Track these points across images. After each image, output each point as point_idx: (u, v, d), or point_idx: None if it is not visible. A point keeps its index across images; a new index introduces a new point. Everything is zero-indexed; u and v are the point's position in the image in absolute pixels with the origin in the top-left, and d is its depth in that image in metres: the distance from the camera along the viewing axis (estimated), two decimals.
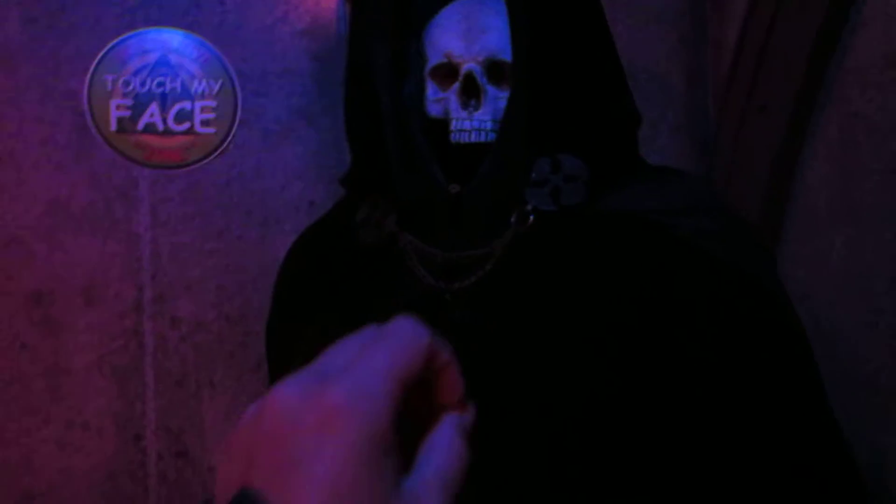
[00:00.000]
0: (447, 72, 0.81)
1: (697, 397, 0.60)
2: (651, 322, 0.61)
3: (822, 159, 1.04)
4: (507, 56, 0.74)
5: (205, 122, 1.12)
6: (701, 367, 0.60)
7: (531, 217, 0.67)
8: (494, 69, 0.77)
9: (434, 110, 0.81)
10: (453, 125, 0.77)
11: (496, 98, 0.77)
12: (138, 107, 1.12)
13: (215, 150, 1.12)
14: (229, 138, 1.14)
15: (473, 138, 0.75)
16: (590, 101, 0.71)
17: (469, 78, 0.77)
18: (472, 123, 0.76)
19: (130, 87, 1.12)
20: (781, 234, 1.07)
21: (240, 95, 1.14)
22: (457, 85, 0.79)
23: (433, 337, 0.32)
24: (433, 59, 0.81)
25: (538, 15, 0.70)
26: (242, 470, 0.29)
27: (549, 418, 0.60)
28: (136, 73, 1.11)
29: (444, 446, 0.31)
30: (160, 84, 1.12)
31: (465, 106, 0.77)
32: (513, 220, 0.68)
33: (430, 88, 0.82)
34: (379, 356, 0.30)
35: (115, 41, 1.11)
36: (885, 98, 0.93)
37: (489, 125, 0.76)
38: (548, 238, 0.66)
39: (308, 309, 0.79)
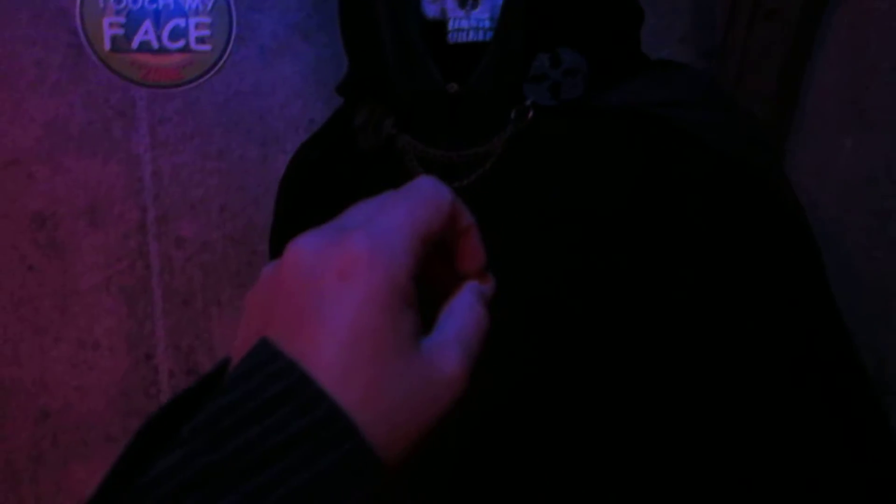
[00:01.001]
0: None
1: (697, 290, 0.59)
2: (650, 215, 0.60)
3: (832, 63, 1.01)
4: None
5: (200, 39, 1.10)
6: (701, 260, 0.59)
7: (531, 113, 0.66)
8: None
9: (431, 11, 0.79)
10: (451, 24, 0.75)
11: None
12: (132, 24, 1.09)
13: (212, 67, 1.10)
14: (226, 55, 1.11)
15: (471, 37, 0.73)
16: None
17: None
18: (470, 22, 0.74)
19: (122, 4, 1.09)
20: (789, 142, 1.05)
21: (234, 11, 1.11)
22: None
23: (455, 197, 0.31)
24: None
25: None
26: (261, 326, 0.29)
27: (551, 314, 0.60)
28: None
29: (465, 310, 0.31)
30: (153, 0, 1.09)
31: (462, 4, 0.75)
32: (512, 116, 0.66)
33: None
34: (400, 211, 0.30)
35: None
36: None
37: (487, 23, 0.74)
38: (548, 133, 0.65)
39: (310, 217, 0.78)
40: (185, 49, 1.10)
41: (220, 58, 1.11)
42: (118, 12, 1.09)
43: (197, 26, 1.10)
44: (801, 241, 0.62)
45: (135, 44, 1.09)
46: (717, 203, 0.60)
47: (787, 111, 1.05)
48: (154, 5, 1.09)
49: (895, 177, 0.91)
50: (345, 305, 0.27)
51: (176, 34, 1.10)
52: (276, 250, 0.84)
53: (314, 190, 0.80)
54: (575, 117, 0.65)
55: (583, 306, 0.60)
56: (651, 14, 1.27)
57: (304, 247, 0.29)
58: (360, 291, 0.27)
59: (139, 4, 1.09)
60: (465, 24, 0.75)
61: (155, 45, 1.09)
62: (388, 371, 0.27)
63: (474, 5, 0.75)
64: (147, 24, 1.09)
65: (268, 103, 1.12)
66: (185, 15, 1.09)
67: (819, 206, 0.99)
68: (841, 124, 0.98)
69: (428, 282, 0.30)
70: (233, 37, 1.11)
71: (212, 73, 1.11)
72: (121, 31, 1.09)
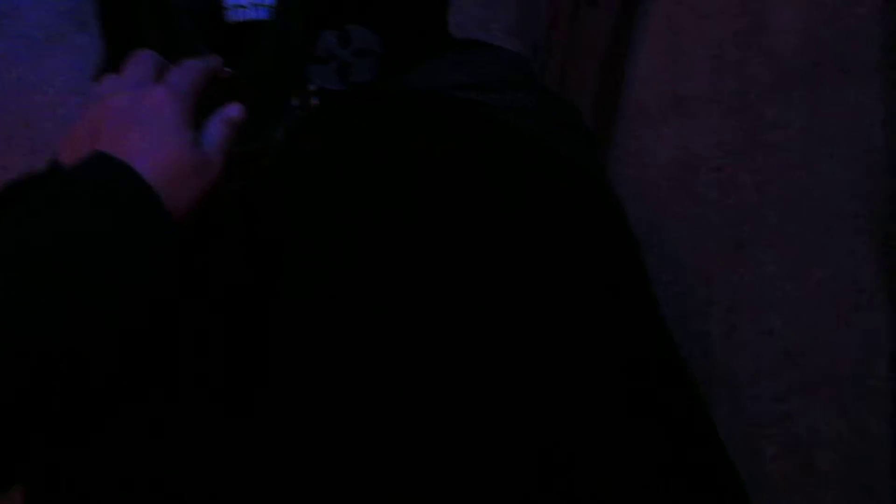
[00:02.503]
0: None
1: (515, 309, 0.51)
2: (454, 214, 0.53)
3: (651, 50, 1.01)
4: None
5: None
6: (514, 260, 0.52)
7: (315, 99, 0.57)
8: None
9: None
10: (227, 1, 0.65)
11: None
12: None
13: None
14: None
15: (251, 15, 0.63)
16: None
17: None
18: None
19: None
20: (613, 132, 1.04)
21: None
22: None
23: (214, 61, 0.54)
24: None
25: None
26: (88, 148, 0.46)
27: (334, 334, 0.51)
28: None
29: (217, 121, 0.50)
30: None
31: None
32: (295, 103, 0.57)
33: None
34: (173, 79, 0.50)
35: None
36: None
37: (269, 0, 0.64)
38: (335, 123, 0.56)
39: None
40: None
41: None
42: None
43: None
44: (620, 238, 0.57)
45: None
46: (530, 196, 0.54)
47: (612, 101, 1.04)
48: None
49: (713, 164, 0.91)
50: (155, 127, 0.46)
51: None
52: None
53: None
54: (366, 104, 0.57)
55: (374, 325, 0.51)
56: (475, 6, 1.23)
57: (119, 96, 0.48)
58: (165, 119, 0.46)
59: None
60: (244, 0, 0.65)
61: None
62: (179, 153, 0.46)
63: None
64: None
65: (36, 103, 0.96)
66: None
67: (643, 197, 0.98)
68: (661, 113, 0.97)
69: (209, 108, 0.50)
70: None
71: None
72: None
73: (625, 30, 1.04)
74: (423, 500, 0.48)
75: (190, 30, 0.60)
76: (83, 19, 0.98)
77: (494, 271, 0.50)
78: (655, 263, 0.93)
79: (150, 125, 0.45)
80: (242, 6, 0.64)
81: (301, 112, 0.57)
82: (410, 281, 0.50)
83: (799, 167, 0.78)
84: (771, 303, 0.81)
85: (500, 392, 0.49)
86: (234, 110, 0.51)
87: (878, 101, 0.72)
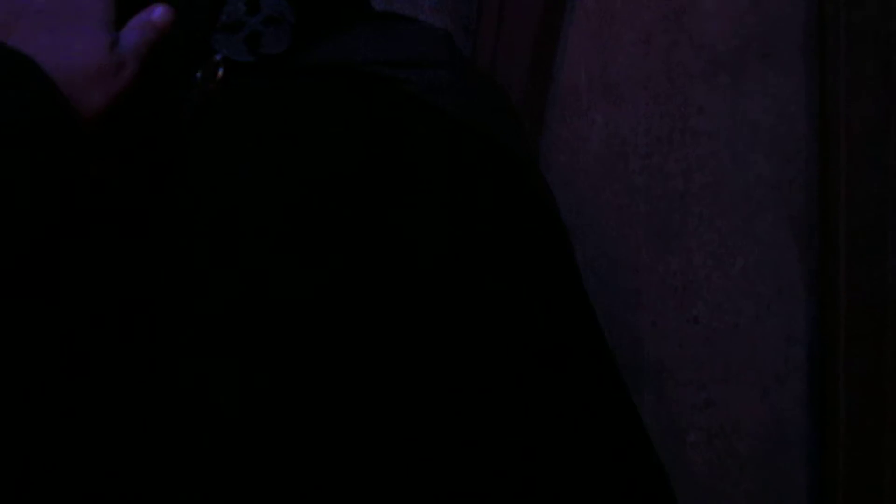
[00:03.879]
0: None
1: (433, 299, 0.49)
2: (372, 199, 0.49)
3: (581, 33, 0.99)
4: None
5: None
6: (438, 262, 0.49)
7: (220, 71, 0.53)
8: None
9: None
10: None
11: None
12: None
13: None
14: None
15: None
16: None
17: None
18: None
19: None
20: (544, 117, 1.02)
21: None
22: None
23: None
24: None
25: None
26: None
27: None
28: None
29: (135, 26, 0.48)
30: None
31: None
32: (198, 75, 0.53)
33: None
34: None
35: None
36: None
37: None
38: (242, 97, 0.52)
39: None
40: None
41: None
42: None
43: None
44: (545, 220, 0.55)
45: None
46: (451, 176, 0.51)
47: (542, 84, 1.02)
48: None
49: (643, 151, 0.90)
50: (73, 23, 0.45)
51: None
52: None
53: None
54: (277, 77, 0.53)
55: (285, 323, 0.47)
56: None
57: None
58: (84, 15, 0.46)
59: None
60: None
61: None
62: (91, 54, 0.45)
63: None
64: None
65: None
66: None
67: (574, 184, 0.97)
68: (591, 98, 0.96)
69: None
70: None
71: None
72: None
73: (555, 13, 1.02)
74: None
75: None
76: None
77: (410, 252, 0.48)
78: (585, 251, 0.92)
79: (66, 24, 0.45)
80: None
81: (206, 85, 0.52)
82: (322, 263, 0.47)
83: (724, 155, 0.78)
84: (696, 291, 0.81)
85: (408, 372, 0.47)
86: (158, 13, 0.49)
87: (801, 89, 0.72)
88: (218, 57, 0.53)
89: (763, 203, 0.74)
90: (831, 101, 0.68)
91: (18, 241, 0.40)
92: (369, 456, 0.46)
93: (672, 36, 0.84)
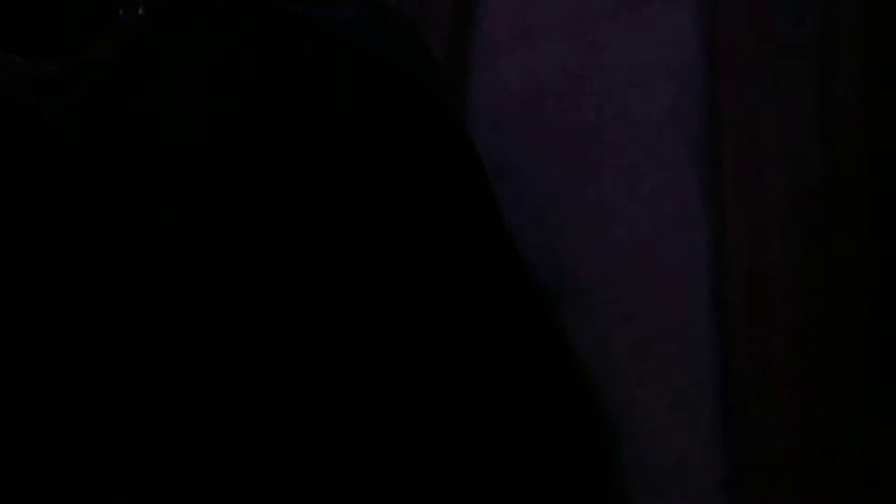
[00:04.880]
0: None
1: (357, 212, 0.54)
2: (291, 133, 0.54)
3: None
4: None
5: None
6: (359, 202, 0.54)
7: (141, 9, 0.56)
8: None
9: None
10: None
11: None
12: None
13: None
14: None
15: None
16: None
17: None
18: None
19: None
20: (469, 61, 1.07)
21: None
22: None
23: None
24: None
25: None
26: None
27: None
28: None
29: None
30: None
31: None
32: (121, 13, 0.56)
33: None
34: None
35: None
36: None
37: None
38: (165, 35, 0.56)
39: None
40: None
41: None
42: None
43: None
44: (460, 153, 0.61)
45: None
46: (369, 108, 0.56)
47: (466, 29, 1.06)
48: None
49: (561, 92, 0.96)
50: None
51: None
52: None
53: None
54: (197, 14, 0.56)
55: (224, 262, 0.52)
56: None
57: None
58: None
59: None
60: None
61: None
62: None
63: None
64: None
65: None
66: None
67: (498, 128, 1.02)
68: (511, 42, 1.01)
69: None
70: None
71: None
72: None
73: None
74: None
75: None
76: None
77: (330, 183, 0.53)
78: (512, 189, 0.98)
79: None
80: None
81: (128, 24, 0.55)
82: (251, 194, 0.52)
83: (629, 87, 0.85)
84: (611, 216, 0.88)
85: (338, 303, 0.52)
86: None
87: (695, 22, 0.79)
88: None
89: (664, 130, 0.81)
90: (718, 33, 0.75)
91: None
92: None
93: None
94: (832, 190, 0.76)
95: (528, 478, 0.57)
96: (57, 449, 0.47)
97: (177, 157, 0.51)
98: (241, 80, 0.53)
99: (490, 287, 0.60)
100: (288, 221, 0.52)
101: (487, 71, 1.06)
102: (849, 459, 0.75)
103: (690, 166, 0.81)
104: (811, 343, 0.77)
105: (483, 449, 0.55)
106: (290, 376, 0.51)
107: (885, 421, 0.76)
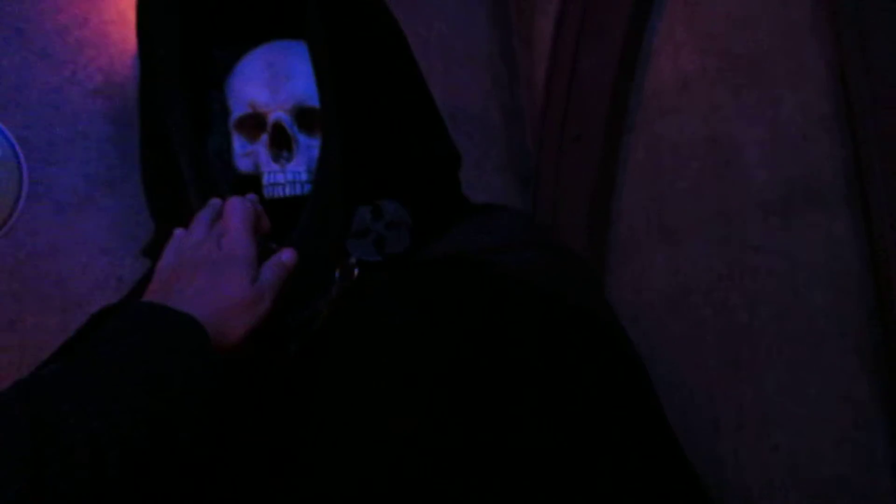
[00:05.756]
0: (254, 123, 0.76)
1: (538, 436, 0.57)
2: (485, 366, 0.58)
3: (635, 183, 1.09)
4: (315, 102, 0.71)
5: None
6: (539, 407, 0.58)
7: (356, 270, 0.63)
8: (304, 117, 0.73)
9: (243, 165, 0.76)
10: (265, 179, 0.73)
11: (309, 147, 0.73)
12: None
13: None
14: (15, 215, 1.00)
15: (288, 192, 0.71)
16: (406, 143, 0.69)
17: (278, 127, 0.73)
18: (286, 176, 0.72)
19: None
20: (606, 260, 1.11)
21: (24, 166, 1.01)
22: (265, 136, 0.74)
23: (254, 202, 0.63)
24: (237, 111, 0.76)
25: (342, 57, 0.68)
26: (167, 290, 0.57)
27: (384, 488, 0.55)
28: None
29: (272, 265, 0.59)
30: None
31: (276, 158, 0.73)
32: (337, 275, 0.63)
33: (237, 142, 0.77)
34: (236, 221, 0.60)
35: None
36: (682, 119, 1.00)
37: (304, 176, 0.72)
38: (375, 291, 0.62)
39: None
40: None
41: (8, 218, 0.99)
42: None
43: None
44: (632, 375, 0.63)
45: None
46: (552, 347, 0.60)
47: (602, 230, 1.11)
48: None
49: (705, 288, 0.97)
50: (231, 275, 0.56)
51: None
52: None
53: None
54: (401, 270, 0.63)
55: (420, 470, 0.55)
56: (468, 144, 1.33)
57: (190, 251, 0.60)
58: (235, 266, 0.57)
59: None
60: (280, 178, 0.72)
61: None
62: (240, 291, 0.56)
63: (289, 158, 0.72)
64: None
65: (68, 264, 1.01)
66: None
67: (640, 319, 1.04)
68: (650, 241, 1.05)
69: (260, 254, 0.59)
70: (23, 194, 1.01)
71: None
72: None
73: (609, 163, 1.13)
74: None
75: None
76: (111, 183, 1.05)
77: (518, 398, 0.56)
78: (659, 382, 0.98)
79: (221, 266, 0.56)
80: (279, 184, 0.72)
81: (344, 282, 0.63)
82: (456, 418, 0.55)
83: (784, 290, 0.85)
84: (773, 419, 0.86)
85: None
86: (288, 254, 0.59)
87: (849, 230, 0.80)
88: (352, 259, 0.64)
89: (826, 334, 0.80)
90: (879, 242, 0.75)
91: (191, 443, 0.48)
92: None
93: (721, 183, 0.94)
94: None
95: None
96: None
97: (387, 383, 0.56)
98: (441, 324, 0.59)
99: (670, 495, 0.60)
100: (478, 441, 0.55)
101: (627, 266, 1.09)
102: None
103: (858, 374, 0.78)
104: None
105: None
106: None
107: None
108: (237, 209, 0.60)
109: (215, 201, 0.64)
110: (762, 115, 0.88)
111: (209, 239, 0.59)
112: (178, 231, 0.62)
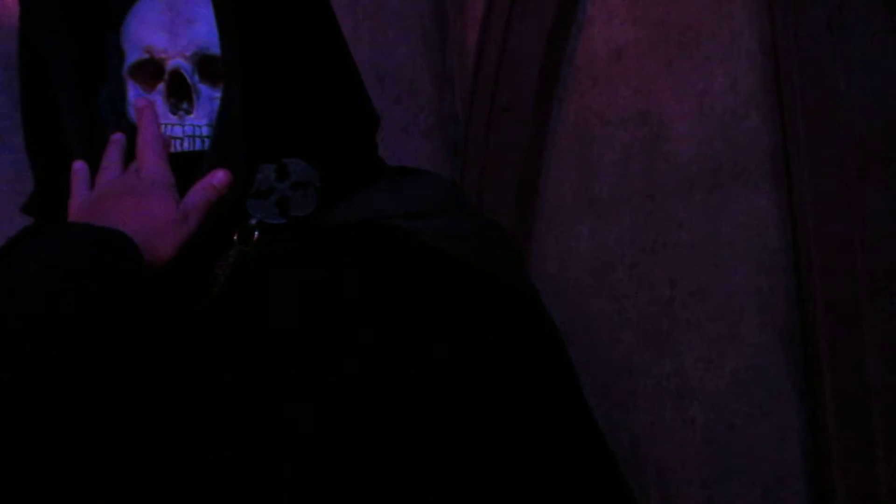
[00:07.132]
0: (151, 70, 0.69)
1: (454, 410, 0.55)
2: (399, 339, 0.55)
3: (564, 154, 1.08)
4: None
5: None
6: (455, 379, 0.55)
7: (256, 233, 0.58)
8: (207, 65, 0.67)
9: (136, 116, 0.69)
10: (162, 132, 0.66)
11: (212, 99, 0.66)
12: None
13: None
14: None
15: (187, 146, 0.65)
16: (317, 101, 0.64)
17: (176, 76, 0.66)
18: (185, 129, 0.65)
19: None
20: (533, 230, 1.09)
21: None
22: (162, 85, 0.68)
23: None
24: (132, 56, 0.69)
25: (248, 1, 0.62)
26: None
27: (296, 455, 0.52)
28: None
29: (201, 187, 0.57)
30: None
31: (174, 109, 0.66)
32: (235, 237, 0.58)
33: (132, 91, 0.69)
34: (151, 153, 0.59)
35: None
36: (613, 91, 0.98)
37: (205, 130, 0.66)
38: (277, 256, 0.58)
39: None
40: None
41: None
42: None
43: None
44: (549, 349, 0.61)
45: None
46: (470, 319, 0.57)
47: (531, 200, 1.10)
48: None
49: (628, 262, 0.97)
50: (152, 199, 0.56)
51: None
52: None
53: None
54: (306, 234, 0.59)
55: (334, 442, 0.52)
56: (397, 108, 1.29)
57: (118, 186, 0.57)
58: (158, 194, 0.56)
59: None
60: (178, 131, 0.66)
61: None
62: (165, 212, 0.55)
63: (188, 110, 0.66)
64: None
65: None
66: None
67: (565, 292, 1.02)
68: (577, 213, 1.04)
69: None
70: None
71: None
72: None
73: (539, 135, 1.11)
74: None
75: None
76: (1, 135, 0.97)
77: (433, 373, 0.54)
78: (580, 355, 0.97)
79: (142, 192, 0.57)
80: (178, 137, 0.66)
81: (243, 246, 0.58)
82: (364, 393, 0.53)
83: (705, 266, 0.85)
84: (691, 393, 0.86)
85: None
86: (220, 176, 0.57)
87: (773, 206, 0.80)
88: (253, 221, 0.59)
89: (745, 309, 0.80)
90: (801, 220, 0.75)
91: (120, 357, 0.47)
92: None
93: (649, 157, 0.93)
94: None
95: None
96: None
97: (283, 356, 0.53)
98: (349, 293, 0.55)
99: (583, 471, 0.60)
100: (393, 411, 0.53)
101: (553, 238, 1.08)
102: None
103: (777, 348, 0.79)
104: None
105: None
106: None
107: None
108: (151, 142, 0.59)
109: (118, 136, 0.61)
110: (693, 88, 0.87)
111: (128, 172, 0.58)
112: (79, 164, 0.59)
